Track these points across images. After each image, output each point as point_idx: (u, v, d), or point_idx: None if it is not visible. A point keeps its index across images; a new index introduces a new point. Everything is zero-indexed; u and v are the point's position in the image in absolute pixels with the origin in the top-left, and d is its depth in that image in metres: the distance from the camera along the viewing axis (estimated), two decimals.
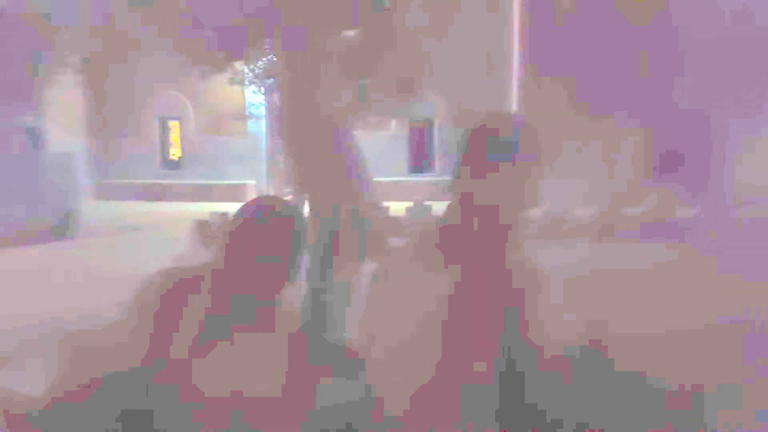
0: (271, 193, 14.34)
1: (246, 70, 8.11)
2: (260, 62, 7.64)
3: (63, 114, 10.19)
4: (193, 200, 13.19)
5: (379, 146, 10.52)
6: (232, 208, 1.38)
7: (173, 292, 1.12)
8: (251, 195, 14.23)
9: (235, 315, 1.11)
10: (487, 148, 1.07)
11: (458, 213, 1.12)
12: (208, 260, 1.16)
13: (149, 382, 1.07)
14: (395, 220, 7.70)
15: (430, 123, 13.97)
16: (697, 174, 8.72)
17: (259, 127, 13.89)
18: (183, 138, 15.01)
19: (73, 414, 1.08)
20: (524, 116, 1.24)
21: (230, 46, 7.10)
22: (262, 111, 10.48)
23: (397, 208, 8.29)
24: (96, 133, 14.32)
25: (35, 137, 9.12)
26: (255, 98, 10.63)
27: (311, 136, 3.60)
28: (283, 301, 1.17)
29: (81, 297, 4.25)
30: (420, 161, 14.10)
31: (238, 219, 1.13)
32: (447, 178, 1.16)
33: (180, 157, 15.17)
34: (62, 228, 7.96)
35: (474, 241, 1.09)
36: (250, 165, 14.41)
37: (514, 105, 10.76)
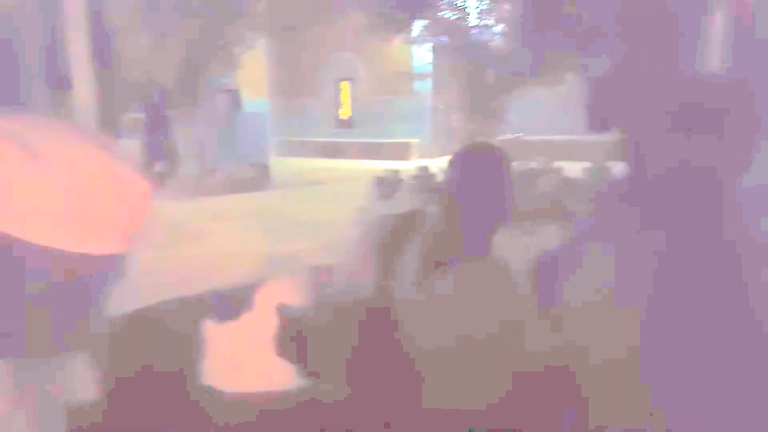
0: (435, 150, 14.56)
1: (419, 30, 8.23)
2: (436, 19, 7.70)
3: (252, 75, 11.24)
4: (362, 157, 13.92)
5: (554, 102, 10.06)
6: (401, 165, 1.48)
7: (396, 230, 1.27)
8: (415, 153, 14.57)
9: (458, 247, 1.22)
10: None
11: None
12: (418, 207, 1.31)
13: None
14: (572, 181, 7.41)
15: (609, 77, 12.95)
16: None
17: (425, 86, 14.05)
18: (353, 98, 15.75)
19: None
20: None
21: (410, 7, 7.26)
22: (429, 69, 10.60)
23: (574, 168, 7.94)
24: (279, 93, 15.59)
25: (235, 98, 10.26)
26: (423, 58, 10.76)
27: None
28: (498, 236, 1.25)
29: (286, 240, 4.78)
30: (599, 119, 13.20)
31: (458, 155, 1.25)
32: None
33: (350, 117, 15.97)
34: (258, 180, 8.93)
35: None
36: (415, 123, 14.72)
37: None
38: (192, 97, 9.15)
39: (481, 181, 1.21)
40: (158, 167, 8.02)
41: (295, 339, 0.91)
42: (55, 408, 0.70)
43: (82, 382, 0.77)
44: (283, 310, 0.91)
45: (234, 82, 10.57)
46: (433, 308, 1.21)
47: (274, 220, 6.18)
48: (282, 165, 11.45)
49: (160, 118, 9.04)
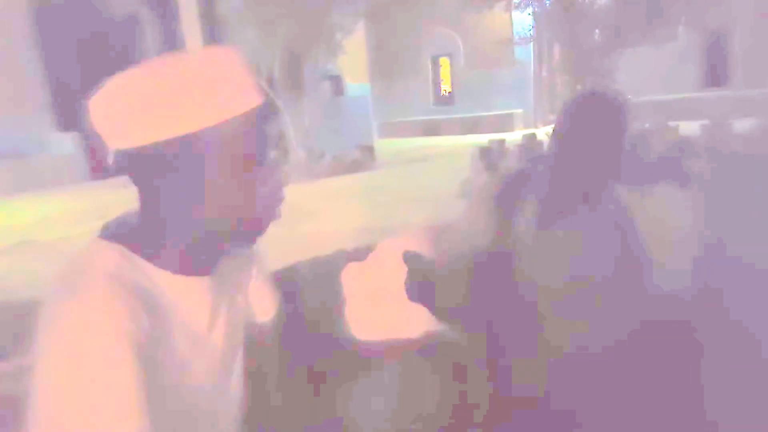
0: (539, 119, 14.10)
1: None
2: None
3: (352, 60, 11.54)
4: (464, 133, 13.83)
5: (668, 60, 9.36)
6: (506, 136, 1.48)
7: (508, 184, 1.32)
8: (518, 124, 14.21)
9: (572, 199, 1.25)
10: None
11: None
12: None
13: None
14: (687, 139, 6.93)
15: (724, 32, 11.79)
16: None
17: (527, 54, 13.61)
18: (453, 74, 15.64)
19: None
20: None
21: None
22: (531, 34, 10.24)
23: (691, 127, 7.40)
24: (378, 75, 15.89)
25: (337, 83, 10.63)
26: (524, 23, 10.42)
27: None
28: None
29: (395, 215, 4.97)
30: (717, 75, 12.12)
31: (573, 101, 1.26)
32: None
33: (450, 92, 15.89)
34: (364, 161, 9.25)
35: None
36: (517, 93, 14.35)
37: None
38: (298, 85, 9.62)
39: (596, 128, 1.19)
40: (272, 155, 8.56)
41: (424, 283, 0.94)
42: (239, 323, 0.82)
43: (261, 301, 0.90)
44: (410, 257, 0.94)
45: (336, 68, 10.92)
46: (551, 255, 1.26)
47: (383, 197, 6.42)
48: (385, 146, 11.71)
49: (272, 106, 9.58)
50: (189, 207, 0.69)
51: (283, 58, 9.34)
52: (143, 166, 0.67)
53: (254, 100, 0.70)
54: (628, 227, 1.29)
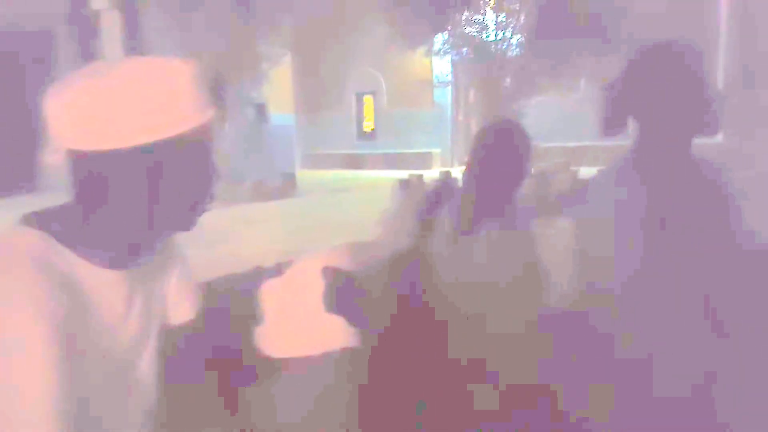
0: (454, 160, 14.80)
1: (442, 42, 8.54)
2: (457, 32, 8.00)
3: (277, 90, 11.60)
4: (385, 168, 14.22)
5: (571, 109, 10.26)
6: (425, 173, 1.64)
7: (430, 196, 1.45)
8: (436, 162, 14.82)
9: (483, 210, 1.38)
10: None
11: None
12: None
13: None
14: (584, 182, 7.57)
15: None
16: None
17: (446, 97, 14.33)
18: (376, 111, 16.12)
19: None
20: None
21: (431, 22, 7.57)
22: (449, 79, 10.90)
23: (589, 173, 8.09)
24: (303, 107, 16.03)
25: (261, 110, 10.65)
26: (443, 68, 11.07)
27: None
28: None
29: (314, 239, 5.07)
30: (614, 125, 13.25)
31: (482, 130, 1.45)
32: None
33: (373, 129, 16.32)
34: (285, 189, 9.28)
35: None
36: (436, 134, 14.99)
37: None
38: (222, 111, 9.55)
39: (501, 151, 1.36)
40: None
41: (342, 294, 0.94)
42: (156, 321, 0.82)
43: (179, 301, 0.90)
44: (328, 272, 0.94)
45: (261, 97, 10.96)
46: (466, 262, 1.38)
47: (303, 222, 6.49)
48: (308, 176, 11.80)
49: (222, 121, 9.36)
50: (120, 209, 0.71)
51: (209, 84, 9.26)
52: (90, 167, 0.68)
53: (207, 114, 0.73)
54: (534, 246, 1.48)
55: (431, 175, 9.48)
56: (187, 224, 0.77)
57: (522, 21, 7.50)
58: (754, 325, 1.10)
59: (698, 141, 1.14)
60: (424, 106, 14.73)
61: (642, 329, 1.12)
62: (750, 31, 9.01)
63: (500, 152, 1.38)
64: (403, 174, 9.14)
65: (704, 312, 1.10)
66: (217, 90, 9.11)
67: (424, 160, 14.48)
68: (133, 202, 0.70)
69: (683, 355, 1.10)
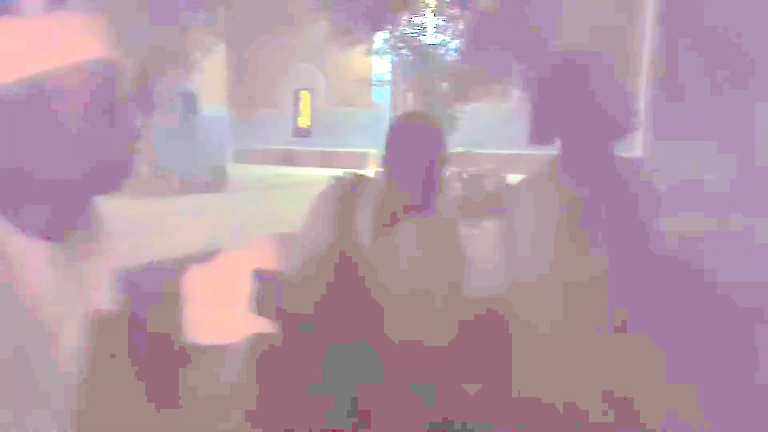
0: None
1: (381, 41, 8.56)
2: (396, 32, 8.03)
3: (210, 81, 11.25)
4: (321, 166, 14.09)
5: (500, 118, 10.58)
6: (360, 172, 1.67)
7: (347, 195, 1.44)
8: (373, 163, 14.88)
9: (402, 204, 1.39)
10: None
11: None
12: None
13: None
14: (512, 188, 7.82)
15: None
16: None
17: (385, 97, 14.40)
18: (313, 108, 15.95)
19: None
20: None
21: (371, 20, 7.56)
22: (388, 79, 10.95)
23: (517, 179, 8.35)
24: (237, 100, 15.62)
25: (190, 102, 10.27)
26: (383, 68, 11.11)
27: None
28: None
29: (246, 234, 4.93)
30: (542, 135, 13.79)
31: (395, 122, 1.45)
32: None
33: (308, 126, 16.15)
34: (216, 183, 9.00)
35: None
36: (373, 134, 15.03)
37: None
38: (148, 99, 9.13)
39: (414, 142, 1.37)
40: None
41: (267, 295, 1.00)
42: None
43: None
44: (258, 276, 1.00)
45: (191, 86, 10.58)
46: (389, 256, 1.38)
47: (235, 218, 6.32)
48: (241, 170, 11.49)
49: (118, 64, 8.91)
50: (28, 160, 0.69)
51: (134, 70, 8.84)
52: None
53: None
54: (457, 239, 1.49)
55: (367, 173, 9.44)
56: (107, 185, 0.75)
57: (461, 27, 7.64)
58: (659, 328, 1.16)
59: (619, 150, 1.21)
60: (363, 105, 14.75)
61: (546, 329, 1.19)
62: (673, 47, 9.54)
63: (413, 143, 1.39)
64: (339, 172, 9.08)
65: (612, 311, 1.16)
66: (142, 77, 8.72)
67: (361, 160, 14.48)
68: (37, 152, 0.68)
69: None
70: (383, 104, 14.78)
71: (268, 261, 0.98)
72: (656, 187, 1.28)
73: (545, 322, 1.17)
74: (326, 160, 14.62)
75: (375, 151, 15.47)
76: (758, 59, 4.02)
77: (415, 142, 1.38)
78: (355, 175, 1.54)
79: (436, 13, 7.83)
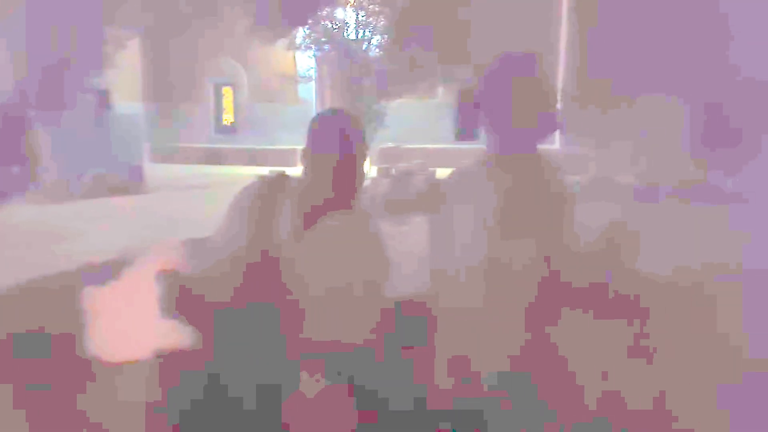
0: None
1: (303, 36, 8.42)
2: (318, 27, 7.92)
3: (124, 77, 10.69)
4: (246, 164, 13.70)
5: (427, 114, 10.69)
6: (288, 170, 1.66)
7: (267, 193, 1.41)
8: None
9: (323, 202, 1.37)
10: None
11: None
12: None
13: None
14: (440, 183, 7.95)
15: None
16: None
17: (309, 93, 14.20)
18: (236, 104, 15.49)
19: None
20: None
21: (291, 14, 7.41)
22: (313, 74, 10.80)
23: (445, 173, 8.50)
24: (154, 96, 14.91)
25: (104, 99, 9.70)
26: (307, 63, 10.94)
27: None
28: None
29: (163, 237, 4.69)
30: (468, 129, 14.17)
31: (315, 119, 1.45)
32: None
33: (233, 123, 15.68)
34: (131, 184, 8.53)
35: None
36: (301, 130, 14.77)
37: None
38: (57, 97, 8.53)
39: (335, 139, 1.37)
40: (15, 170, 7.42)
41: (179, 298, 0.95)
42: None
43: None
44: (163, 278, 0.93)
45: (104, 83, 10.01)
46: (308, 254, 1.35)
47: (152, 220, 6.00)
48: (160, 170, 10.99)
49: (15, 119, 8.34)
50: None
51: (41, 64, 8.23)
52: None
53: None
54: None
55: (296, 172, 9.27)
56: None
57: (381, 23, 7.64)
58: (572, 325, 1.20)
59: (540, 147, 1.28)
60: (289, 101, 14.48)
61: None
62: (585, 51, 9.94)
63: (330, 139, 1.39)
64: (266, 171, 8.85)
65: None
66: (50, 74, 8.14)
67: (289, 157, 14.22)
68: None
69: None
70: (311, 100, 14.59)
71: (172, 264, 0.95)
72: (571, 178, 1.35)
73: (473, 313, 1.20)
74: (255, 157, 14.23)
75: (303, 147, 15.25)
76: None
77: (332, 139, 1.37)
78: (278, 173, 1.50)
79: (356, 7, 7.78)
